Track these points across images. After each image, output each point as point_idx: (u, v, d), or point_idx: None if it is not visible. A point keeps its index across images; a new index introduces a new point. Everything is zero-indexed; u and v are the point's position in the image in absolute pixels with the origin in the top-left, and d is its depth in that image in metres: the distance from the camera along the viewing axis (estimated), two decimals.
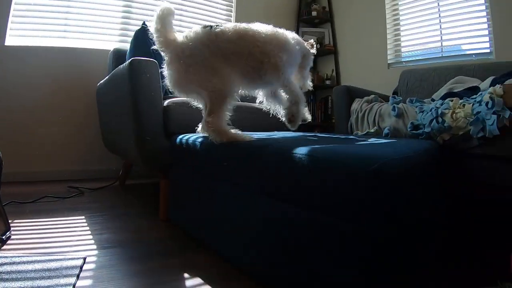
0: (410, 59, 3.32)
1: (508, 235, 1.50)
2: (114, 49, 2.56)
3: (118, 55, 2.47)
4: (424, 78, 2.78)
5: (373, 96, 2.30)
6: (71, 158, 2.80)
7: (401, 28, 3.35)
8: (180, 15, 3.23)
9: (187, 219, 1.52)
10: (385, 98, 2.55)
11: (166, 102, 1.76)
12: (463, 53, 2.95)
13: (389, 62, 3.37)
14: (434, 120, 1.72)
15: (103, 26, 2.94)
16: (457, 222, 1.69)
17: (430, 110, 1.78)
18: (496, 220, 1.64)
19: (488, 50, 2.80)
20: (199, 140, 1.40)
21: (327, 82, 3.77)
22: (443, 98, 2.05)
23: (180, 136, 1.55)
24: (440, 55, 3.11)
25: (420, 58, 3.24)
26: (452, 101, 1.80)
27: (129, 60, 1.66)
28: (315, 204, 0.89)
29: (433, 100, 2.39)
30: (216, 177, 1.31)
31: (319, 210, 0.88)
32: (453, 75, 2.62)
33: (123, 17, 3.03)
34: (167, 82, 1.32)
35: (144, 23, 2.30)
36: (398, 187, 0.82)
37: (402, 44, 3.36)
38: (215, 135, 1.23)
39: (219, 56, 1.26)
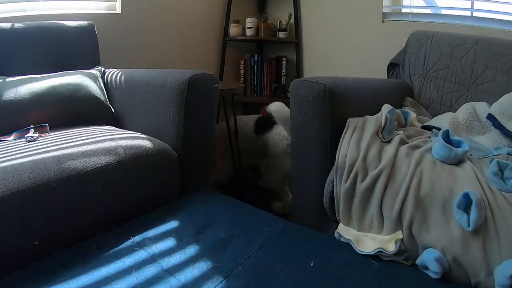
0: (420, 11, 1.97)
1: None
2: None
3: None
4: (457, 54, 1.49)
5: (388, 111, 0.97)
6: None
7: None
8: None
9: None
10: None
11: None
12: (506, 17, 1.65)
13: (384, 11, 1.99)
14: None
15: None
16: None
17: None
18: None
19: None
20: None
21: (281, 34, 2.34)
22: None
23: None
24: (469, 13, 1.78)
25: (436, 13, 1.90)
26: None
27: None
28: None
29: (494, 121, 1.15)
30: None
31: None
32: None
33: None
34: None
35: None
36: None
37: None
38: None
39: None
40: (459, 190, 0.70)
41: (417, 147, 0.91)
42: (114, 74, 1.35)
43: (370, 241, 0.76)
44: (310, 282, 0.62)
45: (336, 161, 0.88)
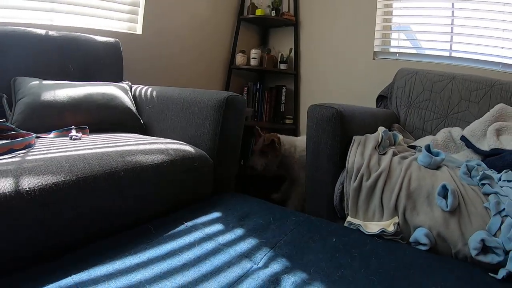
0: (405, 51, 2.27)
1: None
2: None
3: None
4: (436, 88, 1.75)
5: (383, 131, 1.20)
6: None
7: (394, 5, 2.25)
8: None
9: None
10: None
11: None
12: (483, 58, 1.95)
13: (375, 50, 2.28)
14: None
15: None
16: None
17: None
18: None
19: None
20: None
21: (282, 66, 2.60)
22: (496, 164, 1.04)
23: None
24: (448, 54, 2.08)
25: (419, 53, 2.20)
26: None
27: None
28: None
29: (467, 141, 1.38)
30: None
31: None
32: (483, 94, 1.64)
33: None
34: None
35: None
36: None
37: (393, 26, 2.28)
38: None
39: None
40: (439, 185, 0.91)
41: (405, 157, 1.12)
42: (143, 89, 1.53)
43: (374, 226, 0.94)
44: (334, 251, 0.79)
45: (346, 166, 1.09)
